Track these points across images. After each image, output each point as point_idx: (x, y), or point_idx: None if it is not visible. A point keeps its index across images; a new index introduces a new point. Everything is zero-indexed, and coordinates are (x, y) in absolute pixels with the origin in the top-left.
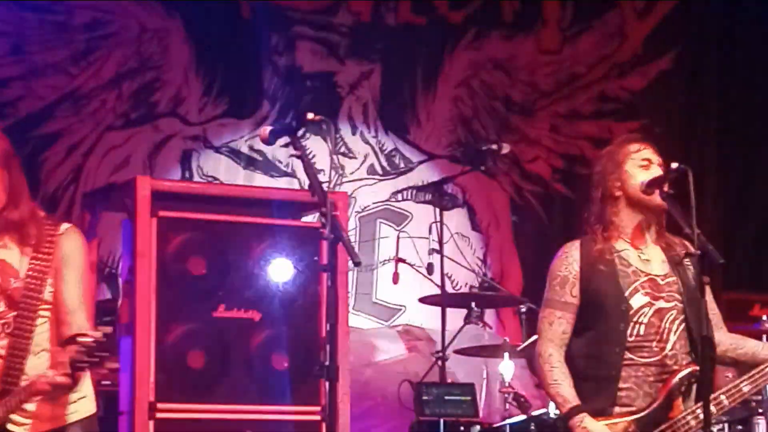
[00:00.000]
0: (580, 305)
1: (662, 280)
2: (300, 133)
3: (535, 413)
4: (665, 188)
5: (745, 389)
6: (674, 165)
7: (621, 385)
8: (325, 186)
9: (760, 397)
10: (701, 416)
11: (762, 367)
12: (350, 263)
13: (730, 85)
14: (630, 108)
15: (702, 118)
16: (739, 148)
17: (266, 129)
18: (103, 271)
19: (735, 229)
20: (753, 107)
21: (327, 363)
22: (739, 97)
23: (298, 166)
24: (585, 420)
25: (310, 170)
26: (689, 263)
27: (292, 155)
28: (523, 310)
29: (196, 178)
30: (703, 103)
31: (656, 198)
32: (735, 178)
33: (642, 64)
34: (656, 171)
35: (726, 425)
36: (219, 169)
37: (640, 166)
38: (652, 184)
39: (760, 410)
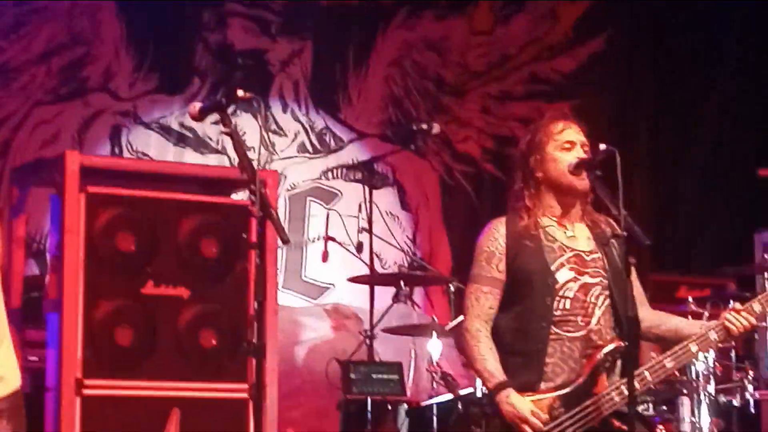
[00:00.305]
0: (506, 280)
1: (588, 255)
2: (230, 110)
3: (462, 392)
4: (592, 170)
5: (669, 365)
6: (602, 146)
7: (547, 359)
8: (254, 164)
9: (685, 377)
10: (625, 392)
11: (685, 343)
12: (279, 241)
13: (661, 67)
14: (561, 90)
15: (634, 101)
16: (671, 130)
17: (196, 106)
18: (31, 246)
19: (665, 211)
20: (684, 89)
21: (255, 341)
22: (671, 80)
23: (228, 143)
24: (511, 395)
25: (240, 148)
26: (615, 243)
27: (222, 132)
28: (452, 289)
29: (126, 154)
30: (635, 85)
31: (582, 179)
32: (666, 161)
33: (573, 46)
34: (579, 153)
35: (651, 405)
36: (149, 146)
37: (563, 148)
38: (579, 166)
39: (685, 390)
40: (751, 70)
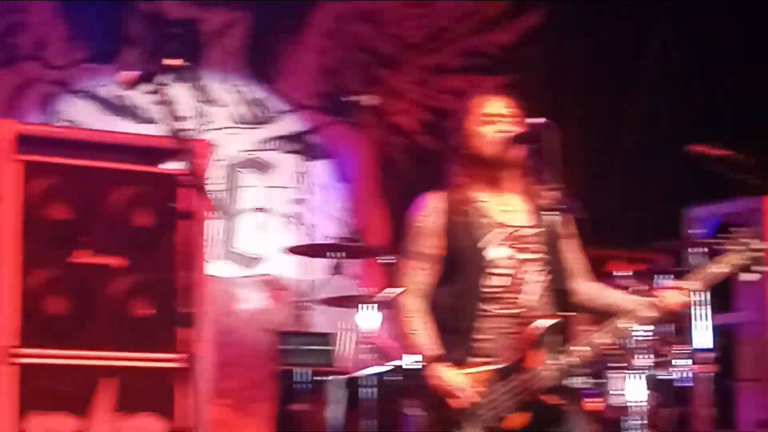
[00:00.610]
0: (440, 256)
1: (522, 230)
2: (163, 79)
3: (394, 364)
4: (525, 143)
5: (600, 340)
6: (536, 120)
7: (480, 336)
8: (187, 133)
9: (619, 352)
10: (558, 366)
11: (617, 318)
12: (211, 211)
13: (595, 42)
14: (497, 63)
15: (568, 75)
16: (603, 106)
17: (127, 75)
18: None
19: (596, 186)
20: (617, 65)
21: (187, 310)
22: (604, 54)
23: (160, 112)
24: (441, 369)
25: (172, 117)
26: (551, 216)
27: (154, 102)
28: (387, 261)
29: (58, 123)
30: (569, 59)
31: (513, 153)
32: (598, 136)
33: (510, 20)
34: (503, 126)
35: (584, 379)
36: (81, 114)
37: (485, 122)
38: (512, 139)
39: (619, 365)
40: (682, 46)
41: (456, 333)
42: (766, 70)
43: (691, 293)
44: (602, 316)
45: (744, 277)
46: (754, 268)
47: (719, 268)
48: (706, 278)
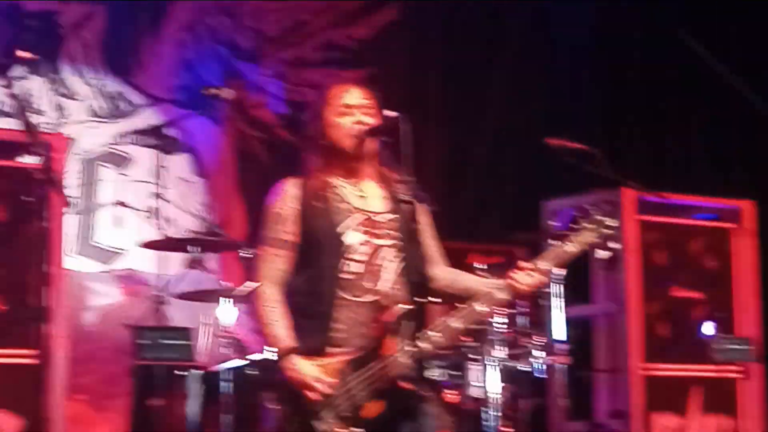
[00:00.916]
0: (297, 242)
1: (379, 217)
2: (18, 72)
3: (251, 357)
4: (377, 136)
5: (454, 325)
6: (391, 113)
7: (336, 324)
8: (43, 127)
9: (475, 343)
10: (413, 354)
11: (470, 302)
12: (68, 206)
13: (452, 35)
14: (356, 56)
15: (426, 68)
16: (461, 99)
17: None
18: None
19: (455, 178)
20: (473, 59)
21: (42, 306)
22: (461, 48)
23: (13, 105)
24: (296, 361)
25: (26, 111)
26: (407, 204)
27: (7, 94)
28: (246, 255)
29: None
30: (427, 53)
31: (367, 144)
32: (457, 129)
33: (367, 14)
34: (358, 117)
35: (440, 370)
36: None
37: (341, 113)
38: (366, 132)
39: (474, 356)
40: (538, 38)
41: (312, 319)
42: (619, 64)
43: (543, 274)
44: (458, 301)
45: (598, 254)
46: (607, 245)
47: (572, 246)
48: (558, 257)
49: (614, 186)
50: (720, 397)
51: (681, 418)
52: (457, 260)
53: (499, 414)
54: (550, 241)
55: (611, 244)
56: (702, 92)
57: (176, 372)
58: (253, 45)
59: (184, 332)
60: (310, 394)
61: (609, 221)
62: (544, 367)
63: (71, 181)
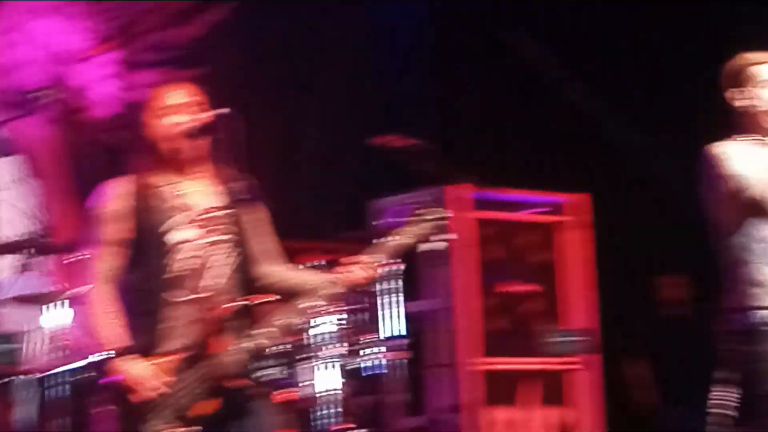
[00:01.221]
0: (126, 240)
1: (210, 212)
2: None
3: (87, 360)
4: (210, 133)
5: (287, 320)
6: (220, 110)
7: (165, 323)
8: None
9: (309, 342)
10: (242, 352)
11: (298, 299)
12: None
13: (285, 34)
14: (189, 56)
15: (258, 67)
16: (292, 99)
17: None
18: None
19: (285, 177)
20: (306, 58)
21: None
22: (294, 49)
23: None
24: (127, 360)
25: None
26: (239, 200)
27: None
28: (78, 257)
29: None
30: (261, 51)
31: (197, 143)
32: (287, 130)
33: (198, 13)
34: (186, 118)
35: (274, 369)
36: None
37: (163, 114)
38: (195, 130)
39: (308, 354)
40: (374, 35)
41: (142, 318)
42: (453, 62)
43: (370, 269)
44: (290, 297)
45: (426, 246)
46: (433, 238)
47: (401, 239)
48: (388, 250)
49: (447, 183)
50: (558, 389)
51: (519, 411)
52: (289, 258)
53: (337, 411)
54: (378, 239)
55: (438, 238)
56: (534, 90)
57: (4, 377)
58: (84, 46)
59: (13, 337)
60: (143, 394)
61: (436, 213)
62: (383, 362)
63: None
